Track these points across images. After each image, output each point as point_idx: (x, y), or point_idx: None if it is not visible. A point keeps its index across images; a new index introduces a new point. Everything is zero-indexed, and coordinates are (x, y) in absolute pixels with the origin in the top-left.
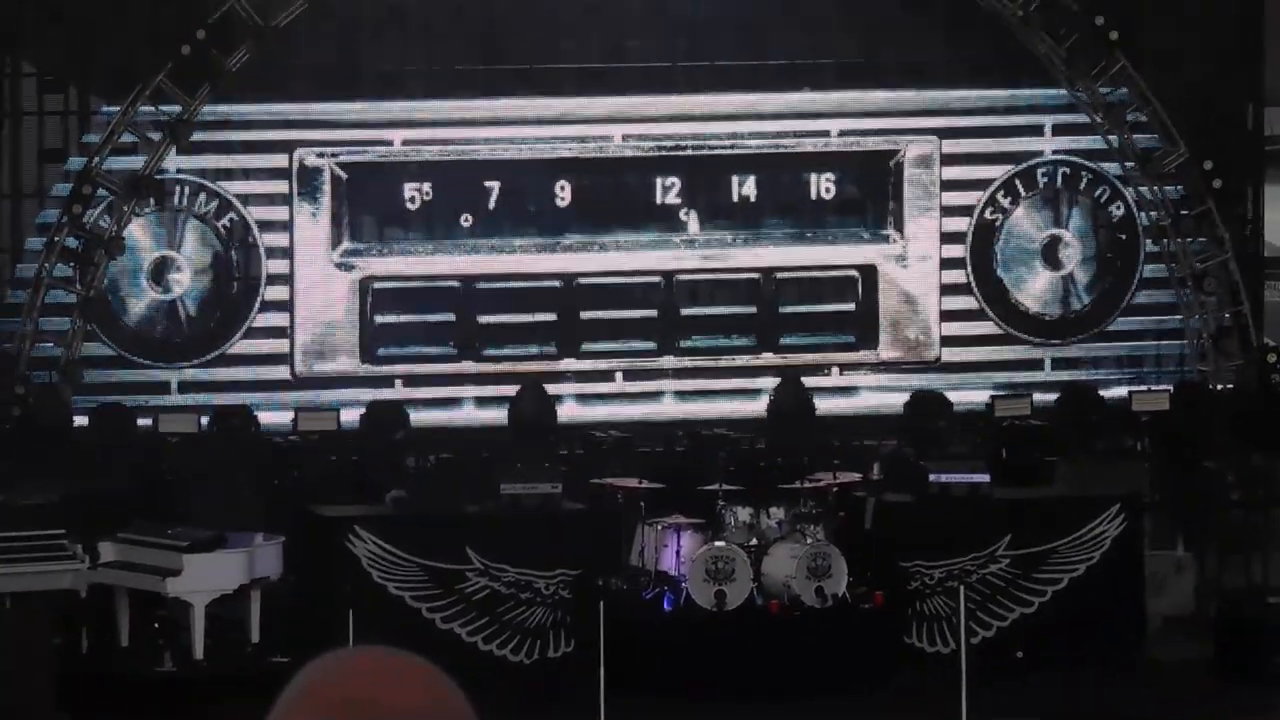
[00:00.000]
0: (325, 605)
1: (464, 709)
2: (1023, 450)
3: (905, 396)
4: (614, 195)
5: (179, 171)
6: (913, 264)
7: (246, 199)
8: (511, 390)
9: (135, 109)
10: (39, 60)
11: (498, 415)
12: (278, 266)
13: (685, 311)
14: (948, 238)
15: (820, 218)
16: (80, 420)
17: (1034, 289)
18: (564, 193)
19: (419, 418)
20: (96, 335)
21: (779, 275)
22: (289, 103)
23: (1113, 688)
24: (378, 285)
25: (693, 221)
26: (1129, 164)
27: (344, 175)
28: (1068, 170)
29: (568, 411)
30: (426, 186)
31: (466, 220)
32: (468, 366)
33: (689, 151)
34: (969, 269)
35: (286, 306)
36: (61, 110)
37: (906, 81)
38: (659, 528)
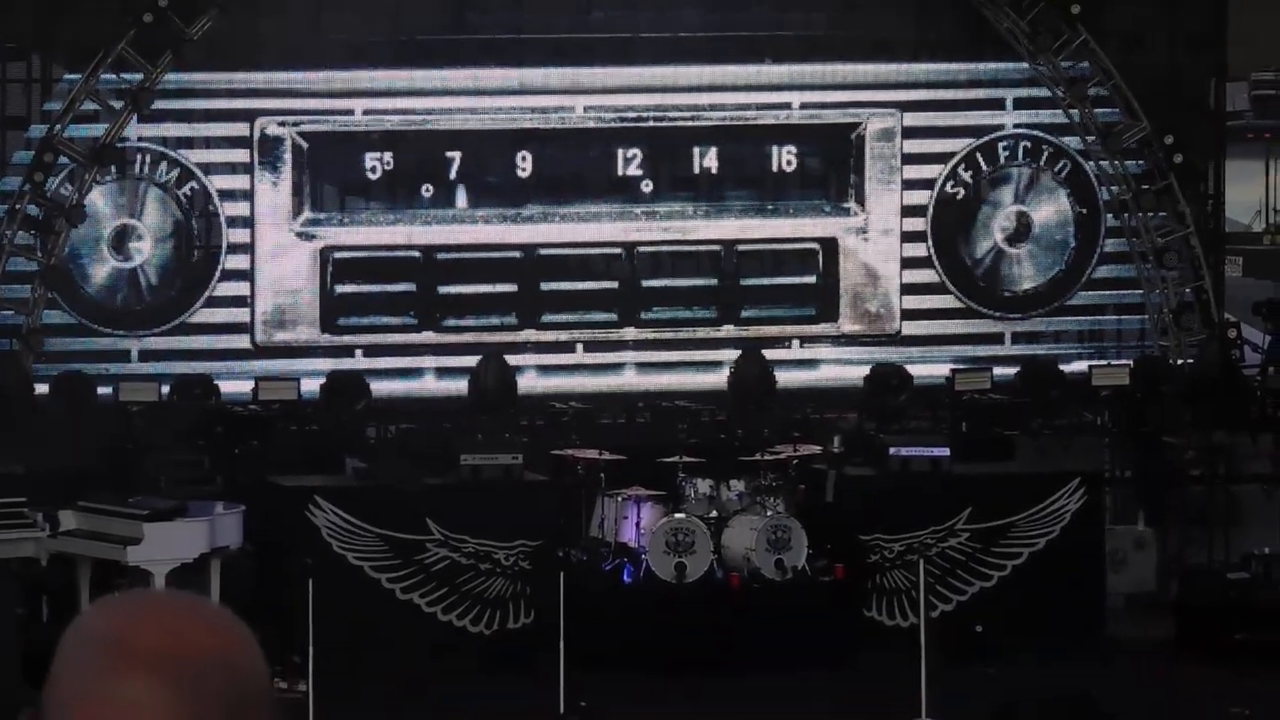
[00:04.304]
0: (285, 575)
1: (255, 656)
2: (983, 425)
3: (866, 370)
4: (575, 166)
5: (140, 140)
6: (874, 237)
7: (207, 167)
8: (472, 361)
9: (97, 77)
10: (0, 28)
11: (458, 386)
12: (239, 235)
13: (646, 283)
14: (909, 211)
15: (782, 190)
16: (41, 388)
17: (994, 262)
18: (525, 163)
19: (379, 388)
20: (57, 303)
21: (740, 247)
22: (251, 71)
23: (1072, 661)
24: (338, 255)
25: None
26: (1090, 138)
27: (305, 144)
28: (1029, 144)
29: (528, 383)
30: (388, 156)
31: (427, 190)
32: (428, 337)
33: (650, 123)
34: (930, 242)
35: (247, 275)
36: (23, 78)
37: (868, 54)
38: (619, 499)
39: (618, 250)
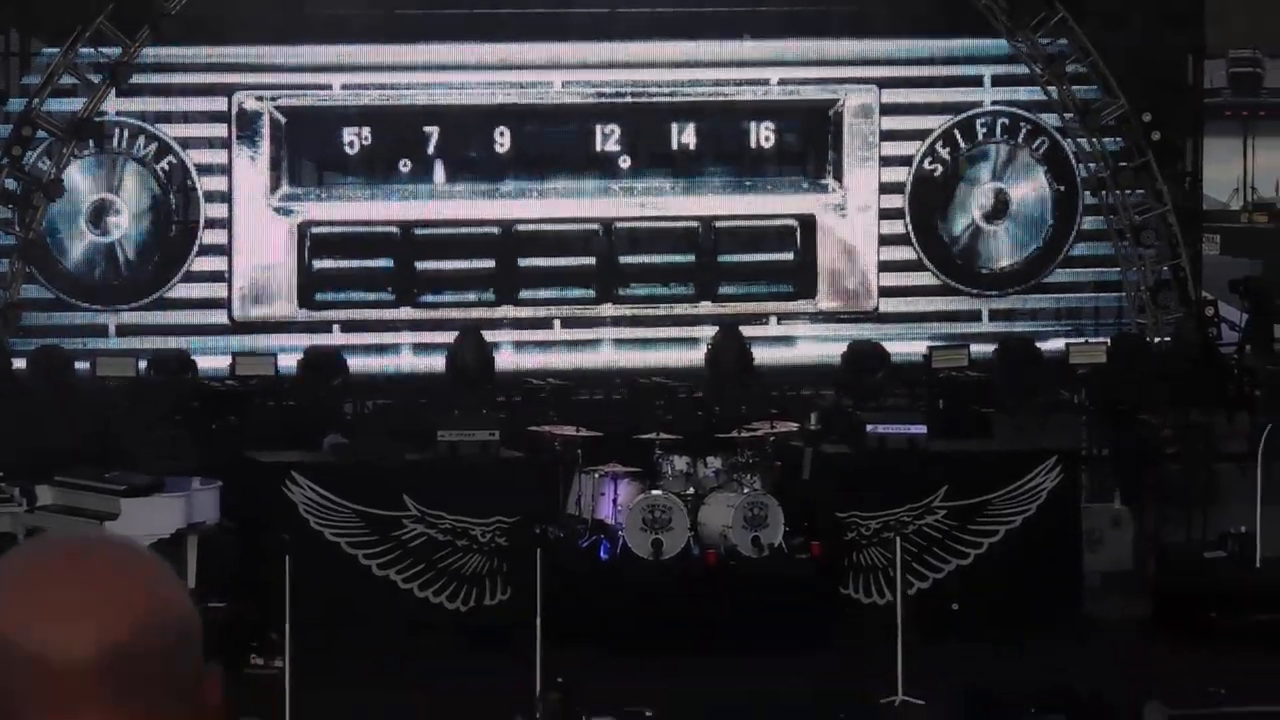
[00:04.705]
0: (262, 551)
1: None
2: (960, 402)
3: (843, 347)
4: (553, 143)
5: (118, 114)
6: (852, 214)
7: (185, 142)
8: (449, 337)
9: (75, 51)
10: None
11: (435, 362)
12: (216, 210)
13: (624, 260)
14: (887, 188)
15: (760, 167)
16: (18, 363)
17: (971, 240)
18: (503, 139)
19: (357, 364)
20: (35, 278)
21: (718, 224)
22: (229, 46)
23: (1049, 640)
24: (316, 230)
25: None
26: (1068, 116)
27: (283, 119)
28: (1007, 121)
29: (505, 359)
30: (365, 132)
31: (405, 166)
32: (406, 313)
33: (629, 99)
34: (908, 219)
35: (225, 251)
36: (2, 52)
37: (847, 31)
38: (596, 476)
39: (596, 227)
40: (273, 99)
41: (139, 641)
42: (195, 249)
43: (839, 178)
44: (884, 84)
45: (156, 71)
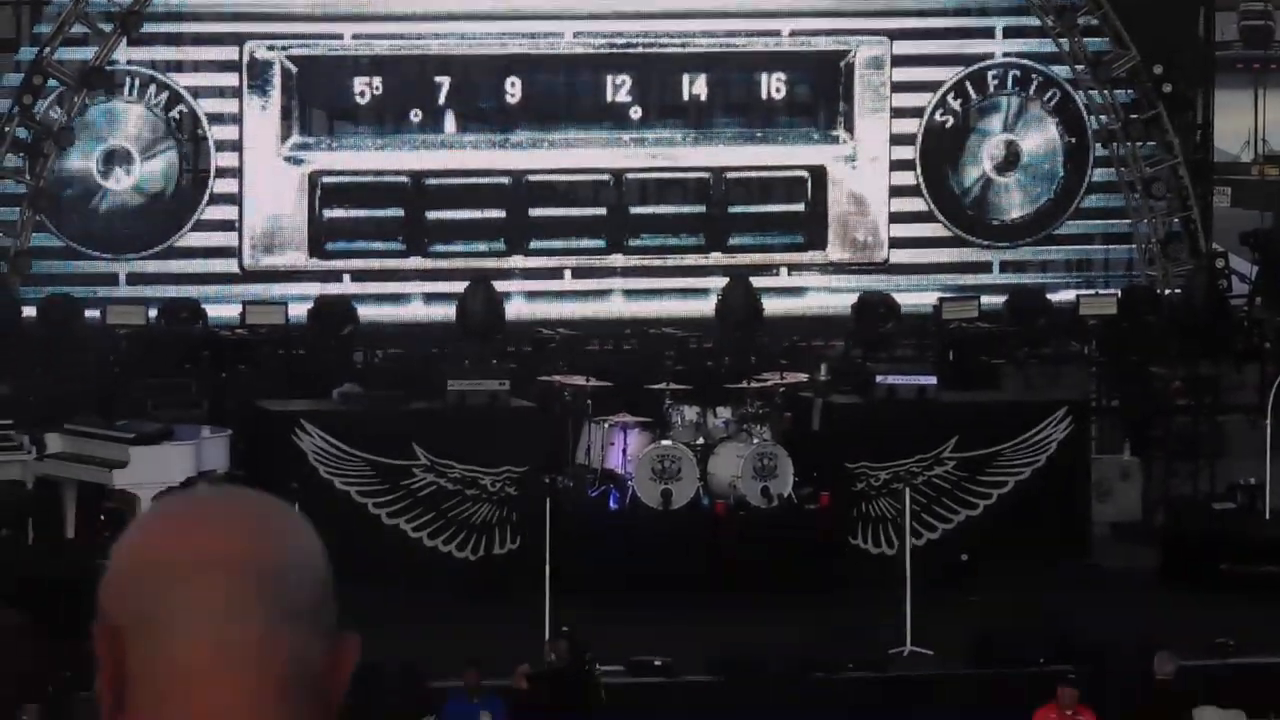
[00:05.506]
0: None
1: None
2: (970, 353)
3: (853, 298)
4: (564, 93)
5: (129, 63)
6: (862, 165)
7: (196, 91)
8: (460, 287)
9: (86, 0)
10: None
11: (446, 312)
12: (227, 159)
13: (634, 210)
14: (897, 139)
15: (771, 118)
16: (29, 312)
17: (982, 191)
18: (514, 89)
19: (367, 313)
20: (45, 226)
21: (729, 175)
22: None
23: (1058, 590)
24: (327, 180)
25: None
26: (1080, 67)
27: (294, 68)
28: (1018, 73)
29: (516, 309)
30: (376, 81)
31: (416, 115)
32: (416, 262)
33: (640, 49)
34: (919, 171)
35: (235, 200)
36: (13, 0)
37: None
38: (606, 426)
39: (606, 177)
40: (284, 48)
41: (291, 575)
42: (206, 198)
43: (850, 129)
44: (895, 35)
45: (167, 20)
